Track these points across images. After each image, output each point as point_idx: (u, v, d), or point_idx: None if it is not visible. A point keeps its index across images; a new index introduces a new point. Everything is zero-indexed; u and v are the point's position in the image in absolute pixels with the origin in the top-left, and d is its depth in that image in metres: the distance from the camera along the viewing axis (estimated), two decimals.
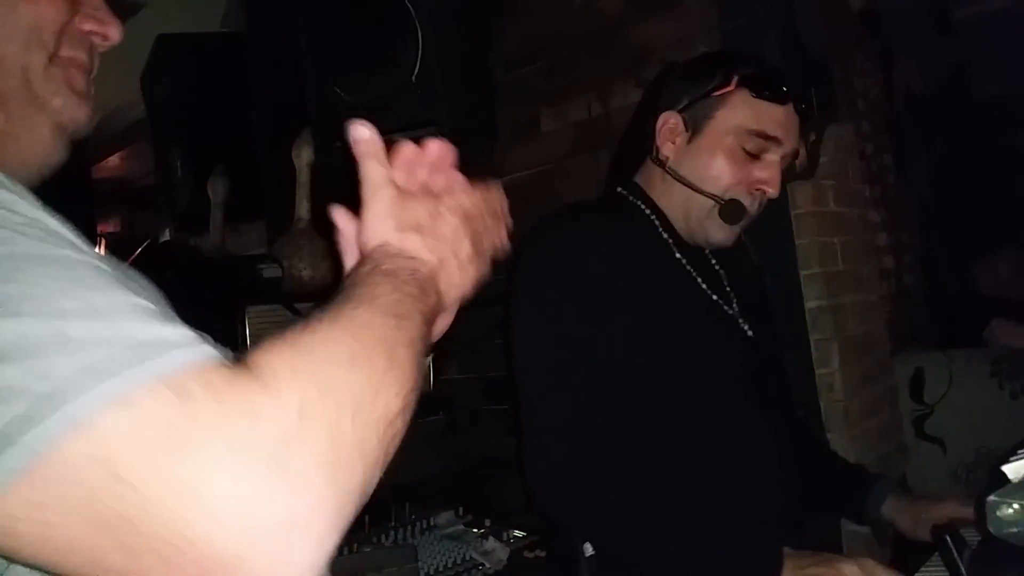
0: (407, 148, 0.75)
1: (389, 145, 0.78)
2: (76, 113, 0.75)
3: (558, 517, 1.24)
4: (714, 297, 1.34)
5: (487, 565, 2.02)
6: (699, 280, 1.33)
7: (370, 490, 0.53)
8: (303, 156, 2.36)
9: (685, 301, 1.31)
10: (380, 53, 2.20)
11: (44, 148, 0.74)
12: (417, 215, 0.69)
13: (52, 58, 0.73)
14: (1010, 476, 0.68)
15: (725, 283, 1.41)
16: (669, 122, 1.34)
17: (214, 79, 2.58)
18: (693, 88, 1.32)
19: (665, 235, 1.34)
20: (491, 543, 2.11)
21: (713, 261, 1.44)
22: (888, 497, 1.40)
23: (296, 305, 2.14)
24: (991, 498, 0.61)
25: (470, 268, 0.72)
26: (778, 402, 1.39)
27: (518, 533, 2.15)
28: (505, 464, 2.10)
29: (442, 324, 0.73)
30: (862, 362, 2.29)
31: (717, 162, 1.29)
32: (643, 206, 1.36)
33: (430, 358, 2.45)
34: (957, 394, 2.44)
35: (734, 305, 1.37)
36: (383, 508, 2.14)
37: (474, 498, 2.34)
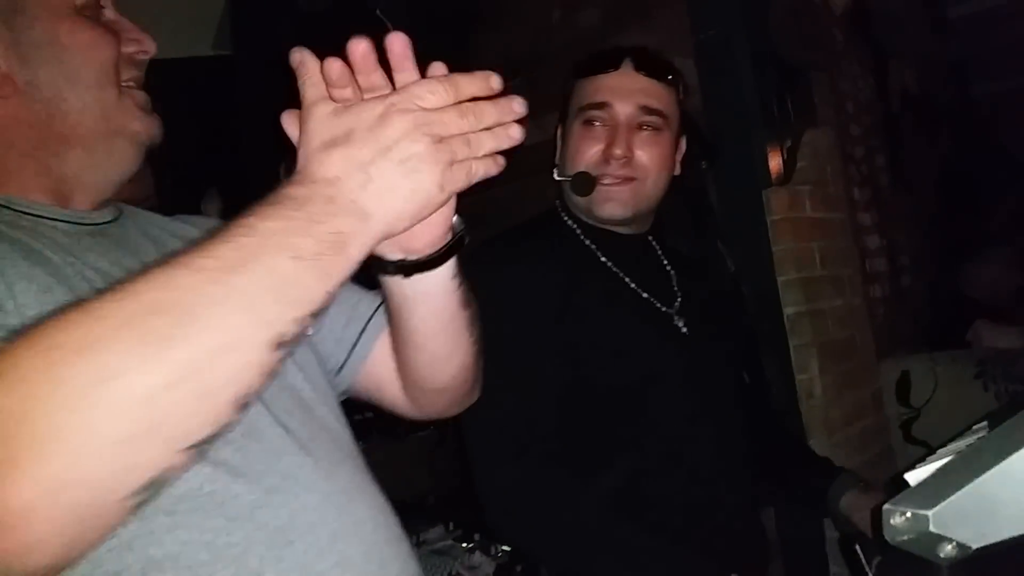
0: (357, 47, 0.68)
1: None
2: (151, 129, 0.87)
3: (508, 539, 1.27)
4: (645, 295, 1.36)
5: None
6: (627, 280, 1.36)
7: (150, 471, 0.54)
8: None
9: (609, 303, 1.34)
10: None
11: (126, 164, 0.87)
12: (349, 125, 0.65)
13: (118, 87, 0.84)
14: (911, 483, 0.68)
15: (673, 283, 1.43)
16: (557, 135, 1.44)
17: (206, 102, 2.64)
18: (563, 99, 1.43)
19: (587, 241, 1.38)
20: (478, 557, 2.13)
21: (665, 262, 1.47)
22: (848, 491, 1.41)
23: None
24: (886, 506, 0.61)
25: (425, 173, 0.65)
26: (720, 398, 1.40)
27: (506, 548, 2.17)
28: None
29: (380, 239, 0.66)
30: (843, 367, 2.29)
31: (569, 149, 1.37)
32: (566, 217, 1.41)
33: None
34: (943, 396, 2.43)
35: (676, 304, 1.39)
36: None
37: (464, 513, 2.37)
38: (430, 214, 0.68)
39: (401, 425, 2.42)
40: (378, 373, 0.99)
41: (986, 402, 2.31)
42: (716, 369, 1.41)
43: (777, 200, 2.16)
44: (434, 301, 0.85)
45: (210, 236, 0.59)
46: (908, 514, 0.55)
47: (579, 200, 1.37)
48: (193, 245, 0.59)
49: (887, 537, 0.59)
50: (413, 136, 0.64)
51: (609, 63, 1.36)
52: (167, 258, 0.58)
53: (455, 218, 0.81)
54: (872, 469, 2.33)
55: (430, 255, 0.80)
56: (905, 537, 0.56)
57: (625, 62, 1.36)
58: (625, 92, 1.34)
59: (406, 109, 0.65)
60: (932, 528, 0.51)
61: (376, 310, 0.98)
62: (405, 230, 0.67)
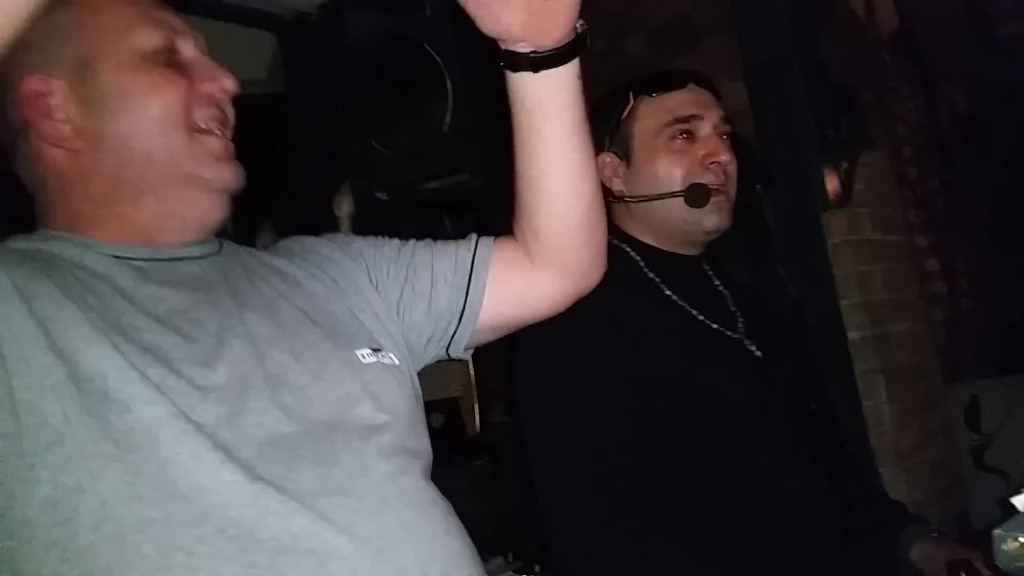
0: None
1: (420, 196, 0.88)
2: (224, 177, 0.86)
3: None
4: (714, 325, 1.33)
5: None
6: (694, 312, 1.33)
7: None
8: (344, 208, 2.43)
9: (680, 337, 1.30)
10: (413, 106, 2.27)
11: (202, 210, 0.86)
12: None
13: (190, 131, 0.84)
14: (1020, 508, 0.66)
15: (730, 305, 1.39)
16: (605, 162, 1.38)
17: (258, 139, 2.68)
18: (605, 125, 1.38)
19: (651, 274, 1.34)
20: None
21: (717, 283, 1.43)
22: (918, 541, 1.34)
23: None
24: (997, 531, 0.59)
25: None
26: (803, 420, 1.35)
27: None
28: None
29: None
30: (912, 392, 2.22)
31: (661, 164, 1.33)
32: (626, 247, 1.37)
33: (475, 403, 2.47)
34: (1016, 423, 2.34)
35: (739, 327, 1.36)
36: None
37: (524, 543, 2.32)
38: None
39: (457, 454, 2.40)
40: (508, 285, 0.98)
41: None
42: (792, 391, 1.37)
43: (836, 223, 2.12)
44: (564, 99, 0.87)
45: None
46: (1022, 539, 0.52)
47: (682, 216, 1.33)
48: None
49: (998, 563, 0.58)
50: None
51: (677, 82, 1.36)
52: None
53: (579, 22, 0.84)
54: (944, 499, 2.24)
55: (557, 48, 0.83)
56: (1021, 564, 0.55)
57: (688, 80, 1.37)
58: (707, 104, 1.35)
59: None
60: None
61: (476, 244, 1.01)
62: None
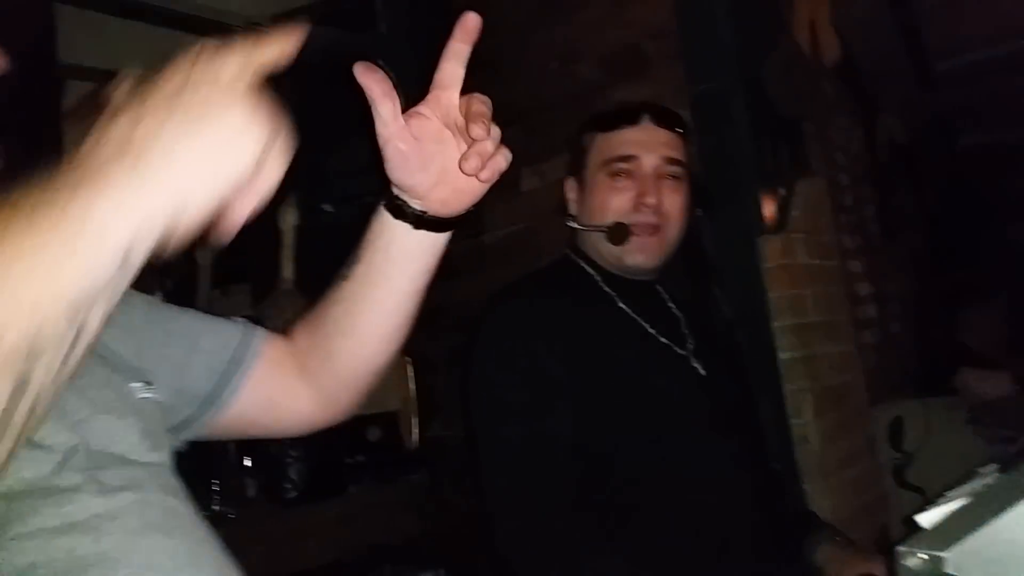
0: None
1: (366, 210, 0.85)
2: None
3: None
4: (663, 340, 1.39)
5: None
6: (646, 326, 1.39)
7: None
8: (288, 219, 2.44)
9: (630, 348, 1.37)
10: (363, 121, 2.29)
11: None
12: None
13: None
14: (923, 525, 0.70)
15: (682, 327, 1.46)
16: (568, 185, 1.49)
17: None
18: (574, 152, 1.49)
19: (607, 288, 1.41)
20: None
21: (671, 305, 1.50)
22: (823, 544, 1.42)
23: None
24: (900, 547, 0.63)
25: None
26: (740, 438, 1.42)
27: None
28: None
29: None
30: (838, 412, 2.31)
31: (597, 199, 1.41)
32: (582, 262, 1.46)
33: (414, 417, 2.48)
34: (936, 442, 2.46)
35: (688, 345, 1.42)
36: (363, 570, 2.15)
37: (459, 559, 2.35)
38: (242, 164, 0.53)
39: (394, 469, 2.42)
40: (265, 387, 0.90)
41: (977, 448, 2.34)
42: (733, 410, 1.44)
43: (772, 247, 2.19)
44: (428, 261, 0.86)
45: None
46: (924, 556, 0.56)
47: (607, 249, 1.41)
48: None
49: None
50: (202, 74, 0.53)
51: (629, 118, 1.42)
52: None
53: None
54: (867, 514, 2.34)
55: (448, 218, 0.83)
56: None
57: (644, 117, 1.42)
58: (650, 144, 1.41)
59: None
60: (948, 570, 0.53)
61: (248, 331, 0.92)
62: (214, 191, 0.52)
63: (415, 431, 2.32)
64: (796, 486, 2.10)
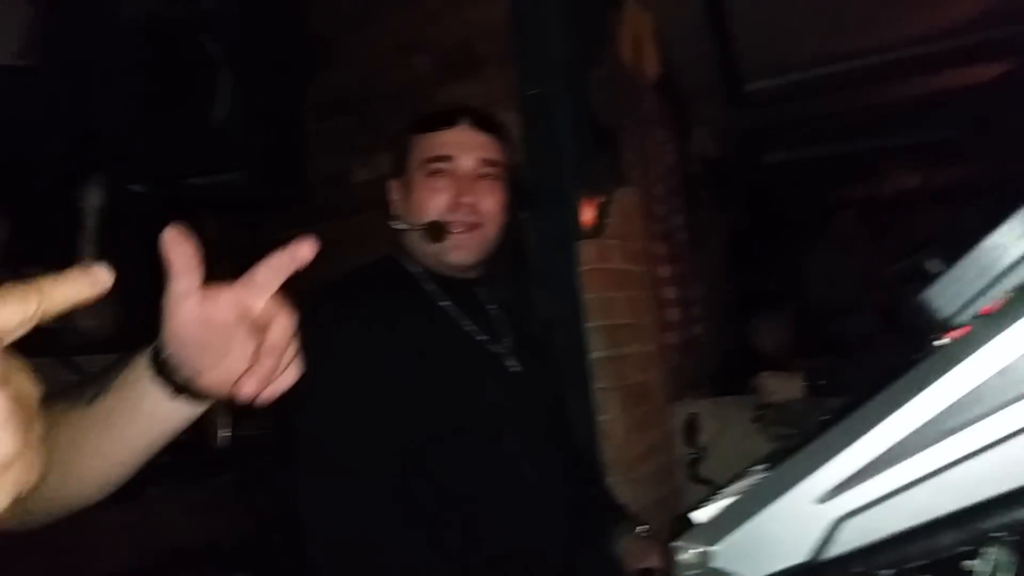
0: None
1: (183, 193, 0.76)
2: None
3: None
4: (479, 337, 1.44)
5: None
6: (463, 324, 1.43)
7: None
8: (91, 200, 2.25)
9: (444, 344, 1.41)
10: (183, 95, 2.16)
11: None
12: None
13: None
14: (696, 521, 0.75)
15: (501, 325, 1.51)
16: (392, 187, 1.51)
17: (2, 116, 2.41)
18: (396, 154, 1.51)
19: (428, 287, 1.45)
20: None
21: (491, 306, 1.54)
22: (624, 537, 1.52)
23: (76, 359, 1.98)
24: (674, 543, 0.66)
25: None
26: (550, 434, 1.48)
27: None
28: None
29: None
30: (640, 409, 2.46)
31: (416, 199, 1.44)
32: (404, 263, 1.48)
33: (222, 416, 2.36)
34: (726, 438, 2.67)
35: (504, 343, 1.48)
36: (167, 574, 2.04)
37: (270, 560, 2.28)
38: None
39: (202, 469, 2.30)
40: None
41: (763, 445, 2.55)
42: (545, 408, 1.49)
43: (588, 252, 2.29)
44: (173, 428, 0.77)
45: None
46: (696, 550, 0.61)
47: (427, 248, 1.43)
48: None
49: (676, 573, 0.64)
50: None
51: (447, 121, 1.45)
52: None
53: None
54: (663, 506, 2.50)
55: (215, 398, 0.75)
56: (692, 572, 0.61)
57: (461, 120, 1.45)
58: (466, 146, 1.43)
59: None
60: (717, 563, 0.58)
61: None
62: None
63: (224, 430, 2.22)
64: (602, 477, 2.21)
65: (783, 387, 2.91)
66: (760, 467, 0.80)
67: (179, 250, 0.68)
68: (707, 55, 3.95)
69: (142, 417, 0.75)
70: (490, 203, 1.44)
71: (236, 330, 0.73)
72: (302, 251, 0.73)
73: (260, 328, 0.72)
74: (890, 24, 4.06)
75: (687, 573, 0.62)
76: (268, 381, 0.72)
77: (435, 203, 1.41)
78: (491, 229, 1.45)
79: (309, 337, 1.02)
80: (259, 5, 2.35)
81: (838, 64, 4.50)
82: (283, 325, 0.73)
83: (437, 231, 1.40)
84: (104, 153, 2.11)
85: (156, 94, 2.09)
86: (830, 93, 4.80)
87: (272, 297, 0.73)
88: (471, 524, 1.31)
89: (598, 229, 2.33)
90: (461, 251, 1.42)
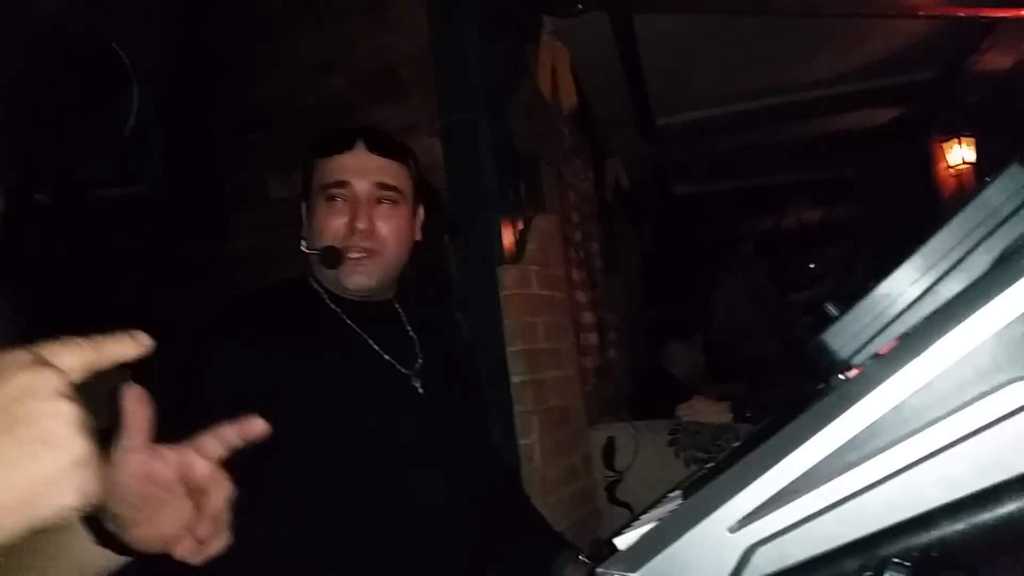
0: None
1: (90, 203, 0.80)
2: None
3: None
4: (387, 357, 1.44)
5: None
6: (371, 343, 1.43)
7: None
8: None
9: (347, 365, 1.40)
10: (89, 102, 2.09)
11: None
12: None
13: None
14: (619, 547, 0.76)
15: (415, 347, 1.51)
16: (300, 208, 1.50)
17: None
18: (303, 177, 1.50)
19: (334, 307, 1.44)
20: None
21: (408, 328, 1.54)
22: (569, 565, 1.52)
23: None
24: (599, 569, 0.68)
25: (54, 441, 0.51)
26: (450, 460, 1.47)
27: None
28: None
29: None
30: (559, 432, 2.49)
31: (315, 224, 1.44)
32: (314, 283, 1.47)
33: None
34: (642, 461, 2.73)
35: (416, 366, 1.47)
36: None
37: None
38: (61, 503, 0.52)
39: None
40: None
41: (678, 467, 2.63)
42: (449, 431, 1.49)
43: (509, 277, 2.32)
44: (95, 573, 0.76)
45: None
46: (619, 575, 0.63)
47: (327, 272, 1.43)
48: None
49: None
50: (31, 391, 0.52)
51: (344, 145, 1.44)
52: None
53: None
54: (582, 528, 2.53)
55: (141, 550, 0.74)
56: None
57: (358, 143, 1.44)
58: (361, 171, 1.43)
59: (24, 363, 0.53)
60: None
61: None
62: (16, 527, 0.51)
63: None
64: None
65: (712, 413, 3.00)
66: (676, 494, 0.83)
67: (137, 409, 0.71)
68: (620, 91, 4.08)
69: (67, 559, 0.74)
70: (387, 228, 1.43)
71: (175, 489, 0.74)
72: (253, 429, 0.78)
73: (197, 491, 0.75)
74: (793, 68, 4.30)
75: None
76: (204, 544, 0.75)
77: (331, 229, 1.41)
78: (390, 254, 1.45)
79: (212, 350, 1.01)
80: (171, 16, 2.30)
81: (743, 103, 4.73)
82: (223, 492, 0.76)
83: (332, 257, 1.40)
84: (4, 159, 2.03)
85: (66, 100, 2.01)
86: (735, 130, 5.03)
87: (213, 464, 0.75)
88: (369, 543, 1.31)
89: (518, 254, 2.36)
90: (358, 276, 1.42)
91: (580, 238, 3.40)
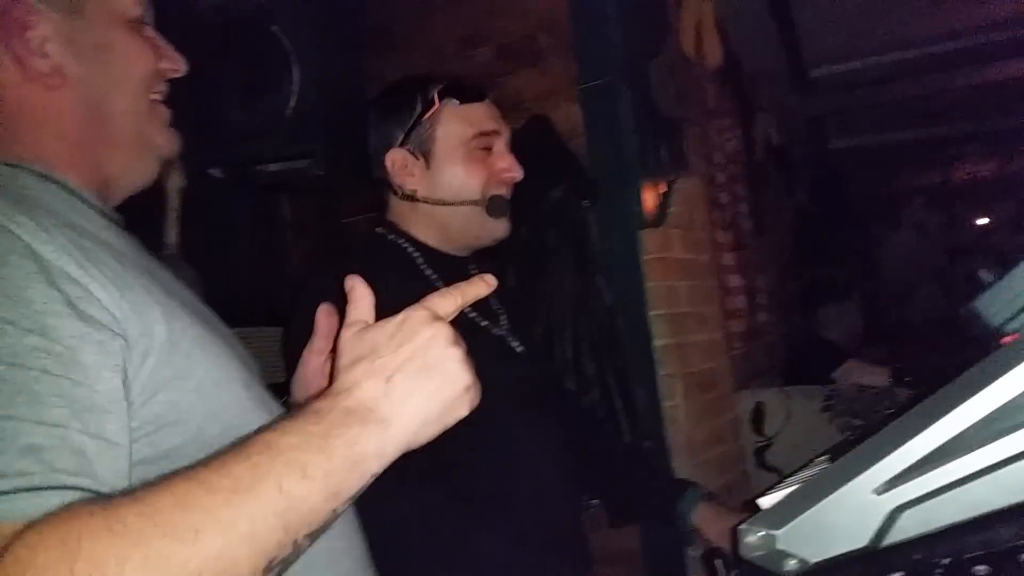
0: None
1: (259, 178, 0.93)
2: (172, 144, 0.94)
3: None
4: (481, 322, 1.40)
5: None
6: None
7: None
8: (174, 181, 2.36)
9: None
10: (257, 85, 2.24)
11: (147, 176, 0.93)
12: (373, 339, 0.70)
13: (150, 98, 0.91)
14: (762, 506, 0.78)
15: (495, 305, 1.46)
16: (397, 160, 1.40)
17: None
18: (400, 121, 1.40)
19: (427, 270, 1.38)
20: None
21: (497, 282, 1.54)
22: (698, 504, 1.47)
23: None
24: (741, 526, 0.69)
25: (449, 373, 0.70)
26: (551, 415, 1.45)
27: None
28: None
29: (396, 443, 0.68)
30: (704, 396, 2.47)
31: (462, 173, 1.37)
32: (403, 243, 1.40)
33: None
34: (794, 427, 2.65)
35: (502, 324, 1.44)
36: None
37: None
38: (458, 417, 0.72)
39: None
40: None
41: (831, 433, 2.54)
42: (546, 387, 1.48)
43: (650, 240, 2.30)
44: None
45: (233, 447, 0.62)
46: (760, 533, 0.63)
47: (476, 222, 1.38)
48: (216, 456, 0.61)
49: (742, 553, 0.67)
50: (434, 340, 0.70)
51: (480, 94, 1.41)
52: (189, 470, 0.60)
53: None
54: (729, 492, 2.50)
55: None
56: (757, 553, 0.63)
57: (486, 97, 1.43)
58: (500, 121, 1.42)
59: (424, 318, 0.71)
60: (779, 546, 0.61)
61: None
62: (434, 435, 0.70)
63: None
64: (667, 462, 2.24)
65: (869, 377, 2.88)
66: (823, 458, 0.82)
67: (327, 321, 0.90)
68: (770, 43, 3.90)
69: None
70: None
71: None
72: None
73: None
74: (959, 11, 3.94)
75: (753, 554, 0.64)
76: None
77: (485, 177, 1.37)
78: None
79: (308, 317, 1.03)
80: None
81: (904, 52, 4.38)
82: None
83: (500, 206, 1.36)
84: (185, 139, 2.22)
85: (235, 82, 2.18)
86: (896, 80, 4.68)
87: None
88: (496, 503, 1.30)
89: (660, 218, 2.34)
90: (508, 225, 1.40)
91: (727, 199, 3.31)
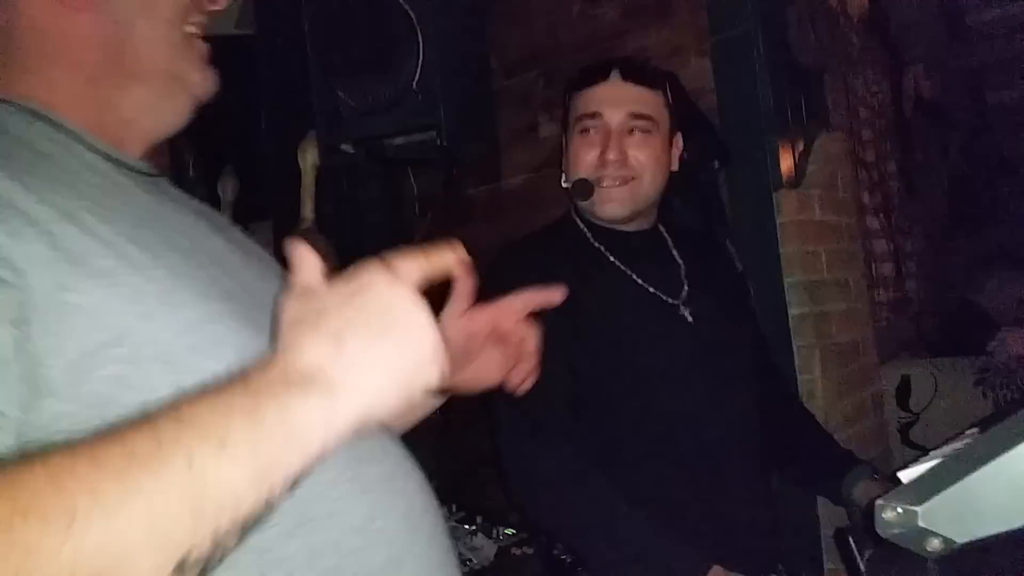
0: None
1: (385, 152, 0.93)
2: (209, 84, 0.84)
3: (526, 514, 1.35)
4: (652, 290, 1.46)
5: (474, 561, 2.09)
6: (635, 277, 1.45)
7: None
8: (308, 158, 2.45)
9: (615, 300, 1.44)
10: (382, 58, 2.28)
11: (179, 115, 0.83)
12: (321, 299, 0.60)
13: (185, 31, 0.82)
14: (903, 480, 0.72)
15: (681, 273, 1.51)
16: (563, 143, 1.55)
17: (226, 82, 2.67)
18: (564, 111, 1.56)
19: (597, 244, 1.49)
20: (479, 539, 2.18)
21: (675, 253, 1.54)
22: (861, 481, 1.46)
23: None
24: (879, 501, 0.64)
25: (412, 333, 0.59)
26: (728, 384, 1.47)
27: (508, 531, 2.22)
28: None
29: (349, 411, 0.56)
30: (846, 369, 2.32)
31: (570, 157, 1.49)
32: (577, 220, 1.53)
33: None
34: (942, 402, 2.47)
35: (683, 295, 1.47)
36: None
37: (468, 496, 2.41)
38: (426, 385, 0.60)
39: None
40: None
41: (984, 409, 2.35)
42: (724, 355, 1.47)
43: (787, 202, 2.18)
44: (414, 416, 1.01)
45: (139, 416, 0.49)
46: (899, 509, 0.57)
47: (583, 204, 1.47)
48: (117, 426, 0.48)
49: (878, 530, 0.62)
50: (392, 299, 0.58)
51: (599, 75, 1.47)
52: (78, 441, 0.47)
53: None
54: None
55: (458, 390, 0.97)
56: (895, 531, 0.58)
57: (613, 73, 1.47)
58: (614, 101, 1.45)
59: (381, 278, 0.60)
60: (921, 523, 0.55)
61: None
62: (399, 406, 0.58)
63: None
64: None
65: None
66: (972, 431, 0.74)
67: (465, 282, 0.89)
68: None
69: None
70: (640, 157, 1.45)
71: (486, 341, 0.94)
72: (552, 296, 0.95)
73: (504, 340, 0.94)
74: None
75: (891, 531, 0.59)
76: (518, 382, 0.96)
77: (584, 160, 1.45)
78: (643, 183, 1.46)
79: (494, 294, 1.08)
80: None
81: None
82: (531, 340, 0.94)
83: (583, 189, 1.44)
84: (318, 116, 2.29)
85: (362, 59, 2.22)
86: None
87: (522, 319, 0.94)
88: (657, 480, 1.32)
89: (798, 178, 2.20)
90: (611, 205, 1.45)
91: (873, 158, 3.09)
